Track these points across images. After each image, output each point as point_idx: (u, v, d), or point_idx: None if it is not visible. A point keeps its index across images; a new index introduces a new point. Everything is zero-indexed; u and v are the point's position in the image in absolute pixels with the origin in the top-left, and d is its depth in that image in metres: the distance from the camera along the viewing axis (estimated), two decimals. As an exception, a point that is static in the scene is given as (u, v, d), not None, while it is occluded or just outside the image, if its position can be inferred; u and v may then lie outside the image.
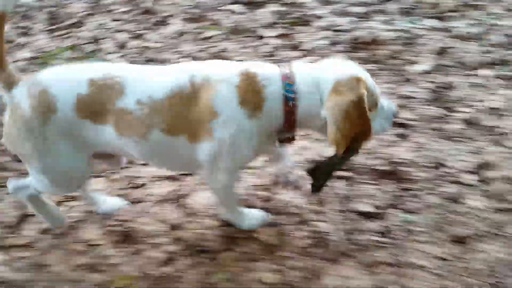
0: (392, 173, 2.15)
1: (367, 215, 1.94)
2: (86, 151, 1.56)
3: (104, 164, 1.83)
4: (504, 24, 3.45)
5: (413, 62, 3.03)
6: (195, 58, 3.23)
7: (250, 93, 1.45)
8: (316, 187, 1.75)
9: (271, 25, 3.65)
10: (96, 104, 1.44)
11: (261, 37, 3.47)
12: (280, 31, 3.54)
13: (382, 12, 3.76)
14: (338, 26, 3.55)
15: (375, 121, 1.58)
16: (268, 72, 1.50)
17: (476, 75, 2.87)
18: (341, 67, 1.53)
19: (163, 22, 3.87)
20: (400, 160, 2.22)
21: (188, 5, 4.12)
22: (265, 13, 3.86)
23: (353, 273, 1.70)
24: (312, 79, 1.50)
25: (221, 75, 1.47)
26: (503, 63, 2.98)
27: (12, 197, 1.95)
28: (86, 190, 1.89)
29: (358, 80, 1.47)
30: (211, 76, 1.47)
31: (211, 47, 3.38)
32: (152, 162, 1.67)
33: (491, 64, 2.97)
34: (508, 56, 3.05)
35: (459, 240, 1.81)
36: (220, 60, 1.60)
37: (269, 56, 3.20)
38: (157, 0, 4.27)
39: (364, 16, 3.70)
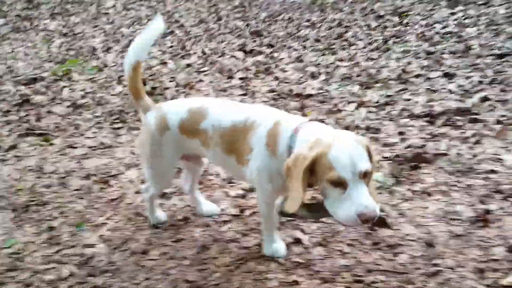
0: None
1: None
2: (179, 154, 2.14)
3: (191, 163, 2.33)
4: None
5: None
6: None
7: (273, 138, 1.81)
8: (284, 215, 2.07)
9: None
10: (190, 125, 2.03)
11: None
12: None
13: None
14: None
15: (340, 202, 1.57)
16: (289, 123, 1.80)
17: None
18: (339, 135, 1.64)
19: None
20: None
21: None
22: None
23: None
24: (310, 134, 1.68)
25: (262, 120, 1.86)
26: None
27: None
28: (193, 193, 2.43)
29: (327, 147, 1.56)
30: (257, 120, 1.88)
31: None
32: (218, 166, 2.40)
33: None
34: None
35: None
36: (273, 108, 2.03)
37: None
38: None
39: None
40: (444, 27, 4.84)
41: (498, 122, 3.08)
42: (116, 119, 3.62)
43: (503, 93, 3.43)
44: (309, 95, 3.77)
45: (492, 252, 2.06)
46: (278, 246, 2.11)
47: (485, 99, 3.36)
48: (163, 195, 2.61)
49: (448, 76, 3.80)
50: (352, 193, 1.56)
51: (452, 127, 3.11)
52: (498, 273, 1.95)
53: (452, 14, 5.18)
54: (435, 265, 2.02)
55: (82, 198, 2.66)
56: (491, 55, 4.06)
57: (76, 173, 2.92)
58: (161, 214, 2.40)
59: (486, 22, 4.79)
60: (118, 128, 3.48)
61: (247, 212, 2.45)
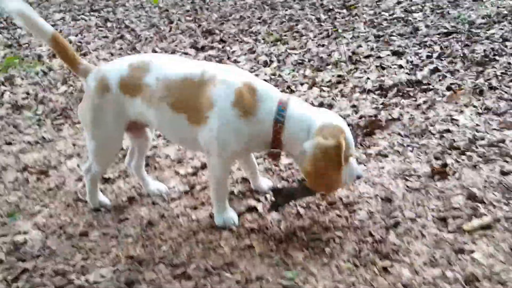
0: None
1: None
2: (123, 121, 1.94)
3: (136, 137, 2.15)
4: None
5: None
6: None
7: (244, 99, 1.72)
8: (274, 207, 1.96)
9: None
10: (131, 81, 1.85)
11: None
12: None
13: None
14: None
15: (345, 171, 1.76)
16: (268, 91, 1.78)
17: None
18: (328, 115, 1.78)
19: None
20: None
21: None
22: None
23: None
24: (301, 114, 1.75)
25: (225, 77, 1.76)
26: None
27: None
28: (139, 171, 2.24)
29: (340, 130, 1.71)
30: (218, 75, 1.76)
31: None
32: (164, 132, 2.09)
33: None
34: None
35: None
36: (235, 67, 1.91)
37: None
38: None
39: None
40: (391, 14, 4.92)
41: (449, 89, 3.08)
42: (59, 115, 3.40)
43: (451, 64, 3.46)
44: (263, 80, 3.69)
45: (452, 201, 1.99)
46: (230, 214, 1.97)
47: (435, 70, 3.37)
48: (106, 181, 2.42)
49: (398, 54, 3.81)
50: (352, 164, 1.81)
51: (404, 97, 3.08)
52: (460, 220, 1.87)
53: (399, 3, 5.28)
54: (395, 217, 1.93)
55: (17, 190, 2.43)
56: (438, 34, 4.12)
57: (12, 167, 2.68)
58: (103, 198, 2.20)
59: (431, 8, 4.91)
60: (61, 124, 3.26)
61: (198, 188, 2.30)
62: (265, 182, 2.20)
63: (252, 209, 2.08)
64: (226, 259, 1.77)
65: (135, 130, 2.08)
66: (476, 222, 1.81)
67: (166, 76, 1.80)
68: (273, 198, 1.99)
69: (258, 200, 2.14)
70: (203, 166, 2.44)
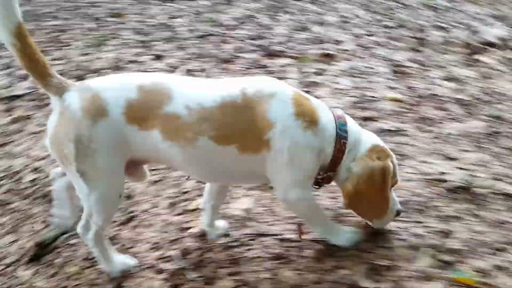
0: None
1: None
2: (124, 158, 1.50)
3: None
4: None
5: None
6: None
7: (305, 108, 1.46)
8: None
9: None
10: (144, 109, 1.43)
11: None
12: None
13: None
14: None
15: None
16: (319, 103, 1.54)
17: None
18: (374, 135, 1.65)
19: None
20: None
21: None
22: None
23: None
24: (358, 132, 1.57)
25: (272, 88, 1.48)
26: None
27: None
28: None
29: (388, 154, 1.59)
30: (262, 89, 1.46)
31: None
32: (194, 170, 1.58)
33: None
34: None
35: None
36: (267, 77, 1.61)
37: None
38: None
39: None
40: (156, 21, 5.13)
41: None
42: None
43: (203, 63, 3.80)
44: (18, 96, 3.45)
45: (184, 187, 2.19)
46: (346, 230, 1.73)
47: (188, 70, 3.66)
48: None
49: (159, 57, 4.00)
50: (394, 195, 1.67)
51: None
52: (186, 202, 2.07)
53: (163, 9, 5.54)
54: (131, 212, 2.03)
55: None
56: (195, 36, 4.46)
57: None
58: (123, 256, 1.72)
59: (192, 13, 5.28)
60: None
61: None
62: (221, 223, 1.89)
63: None
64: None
65: (130, 167, 1.59)
66: (197, 202, 2.04)
67: (200, 104, 1.43)
68: None
69: None
70: None
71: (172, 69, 3.73)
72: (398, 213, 1.66)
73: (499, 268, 1.54)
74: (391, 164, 1.54)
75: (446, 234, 1.69)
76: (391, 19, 4.05)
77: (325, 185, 1.63)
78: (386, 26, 3.91)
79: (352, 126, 1.56)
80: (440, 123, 2.55)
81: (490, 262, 1.56)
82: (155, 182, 2.26)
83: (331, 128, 1.50)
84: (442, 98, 2.79)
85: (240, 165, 1.49)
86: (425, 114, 2.63)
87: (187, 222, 1.94)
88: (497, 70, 2.97)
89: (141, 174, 1.64)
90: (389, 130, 2.49)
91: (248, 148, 1.45)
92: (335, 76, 3.24)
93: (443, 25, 3.75)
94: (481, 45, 3.29)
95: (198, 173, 1.62)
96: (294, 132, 1.44)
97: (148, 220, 1.99)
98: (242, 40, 4.22)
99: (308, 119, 1.45)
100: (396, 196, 1.68)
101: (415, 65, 3.18)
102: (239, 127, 1.44)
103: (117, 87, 1.47)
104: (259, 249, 1.75)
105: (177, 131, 1.43)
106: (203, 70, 3.64)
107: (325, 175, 1.56)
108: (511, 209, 1.87)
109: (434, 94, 2.84)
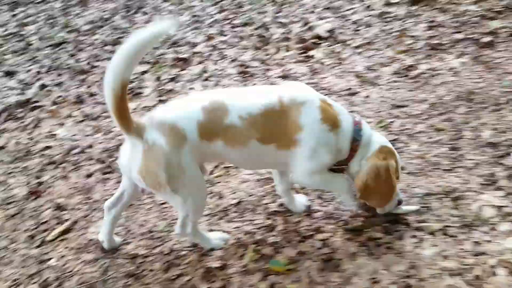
0: None
1: None
2: (200, 164, 1.82)
3: None
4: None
5: None
6: None
7: (329, 114, 1.78)
8: None
9: None
10: (211, 125, 1.73)
11: None
12: None
13: None
14: None
15: None
16: (340, 108, 1.86)
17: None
18: (382, 136, 1.97)
19: None
20: None
21: None
22: None
23: None
24: (370, 135, 1.88)
25: (302, 96, 1.79)
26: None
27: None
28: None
29: (392, 153, 1.91)
30: (295, 96, 1.78)
31: None
32: (246, 165, 2.05)
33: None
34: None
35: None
36: (297, 83, 1.96)
37: None
38: None
39: None
40: (5, 30, 4.84)
41: (55, 103, 3.37)
42: None
43: (59, 76, 3.76)
44: None
45: (42, 217, 2.29)
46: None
47: (43, 86, 3.60)
48: None
49: (10, 74, 3.85)
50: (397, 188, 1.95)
51: (13, 120, 3.21)
52: (45, 233, 2.19)
53: (14, 16, 5.22)
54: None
55: None
56: (49, 46, 4.34)
57: None
58: (215, 234, 2.06)
59: (45, 18, 5.05)
60: None
61: None
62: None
63: None
64: None
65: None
66: (57, 230, 2.17)
67: (249, 113, 1.74)
68: None
69: None
70: None
71: (26, 85, 3.64)
72: (399, 202, 2.01)
73: (302, 253, 1.91)
74: (394, 163, 1.89)
75: (271, 228, 2.06)
76: (238, 16, 4.34)
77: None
78: (235, 26, 4.19)
79: (366, 130, 1.90)
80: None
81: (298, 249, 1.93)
82: (12, 216, 2.32)
83: (349, 131, 1.85)
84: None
85: (276, 158, 1.84)
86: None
87: (46, 253, 2.07)
88: (326, 64, 3.42)
89: (204, 170, 1.96)
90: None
91: (283, 145, 1.80)
92: (190, 81, 3.46)
93: (284, 20, 4.13)
94: (312, 40, 3.73)
95: (248, 166, 2.10)
96: (319, 134, 1.78)
97: (7, 257, 2.07)
98: (98, 48, 4.20)
99: (331, 123, 1.79)
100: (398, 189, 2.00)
101: (259, 64, 3.52)
102: (278, 130, 1.78)
103: (187, 115, 1.74)
104: (114, 270, 1.95)
105: (235, 138, 1.76)
106: (59, 84, 3.62)
107: (339, 167, 1.94)
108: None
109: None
